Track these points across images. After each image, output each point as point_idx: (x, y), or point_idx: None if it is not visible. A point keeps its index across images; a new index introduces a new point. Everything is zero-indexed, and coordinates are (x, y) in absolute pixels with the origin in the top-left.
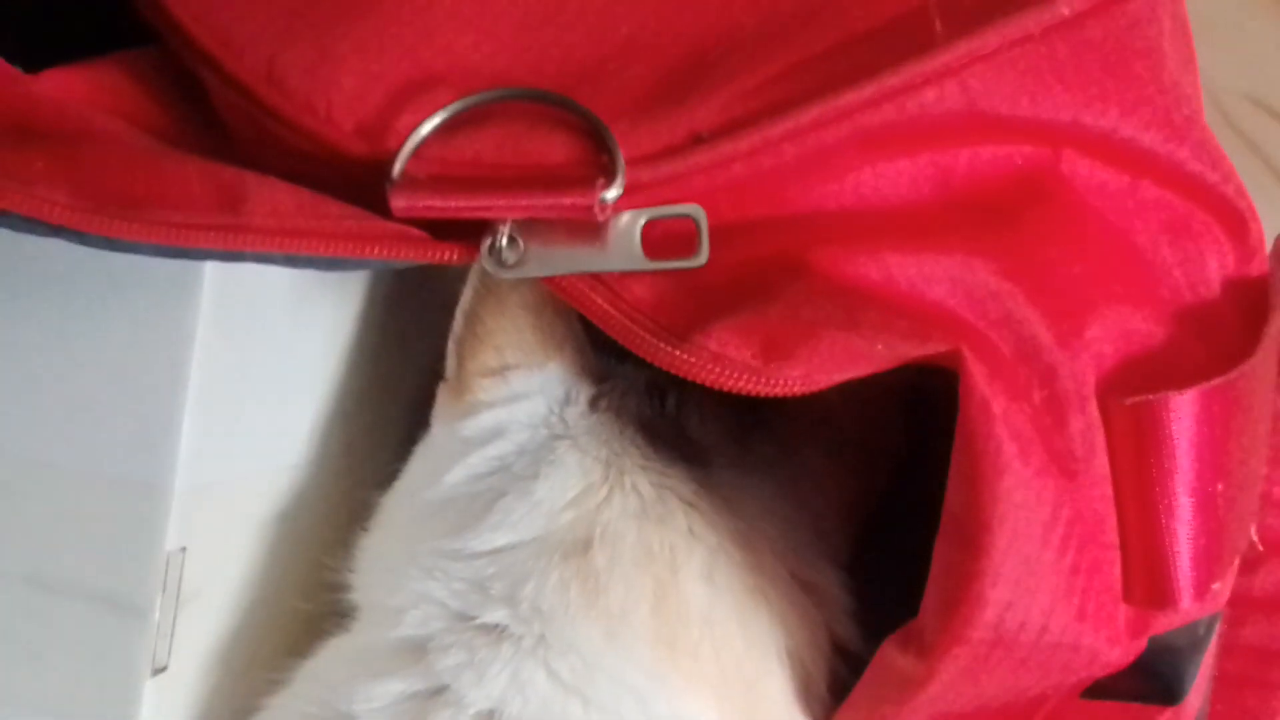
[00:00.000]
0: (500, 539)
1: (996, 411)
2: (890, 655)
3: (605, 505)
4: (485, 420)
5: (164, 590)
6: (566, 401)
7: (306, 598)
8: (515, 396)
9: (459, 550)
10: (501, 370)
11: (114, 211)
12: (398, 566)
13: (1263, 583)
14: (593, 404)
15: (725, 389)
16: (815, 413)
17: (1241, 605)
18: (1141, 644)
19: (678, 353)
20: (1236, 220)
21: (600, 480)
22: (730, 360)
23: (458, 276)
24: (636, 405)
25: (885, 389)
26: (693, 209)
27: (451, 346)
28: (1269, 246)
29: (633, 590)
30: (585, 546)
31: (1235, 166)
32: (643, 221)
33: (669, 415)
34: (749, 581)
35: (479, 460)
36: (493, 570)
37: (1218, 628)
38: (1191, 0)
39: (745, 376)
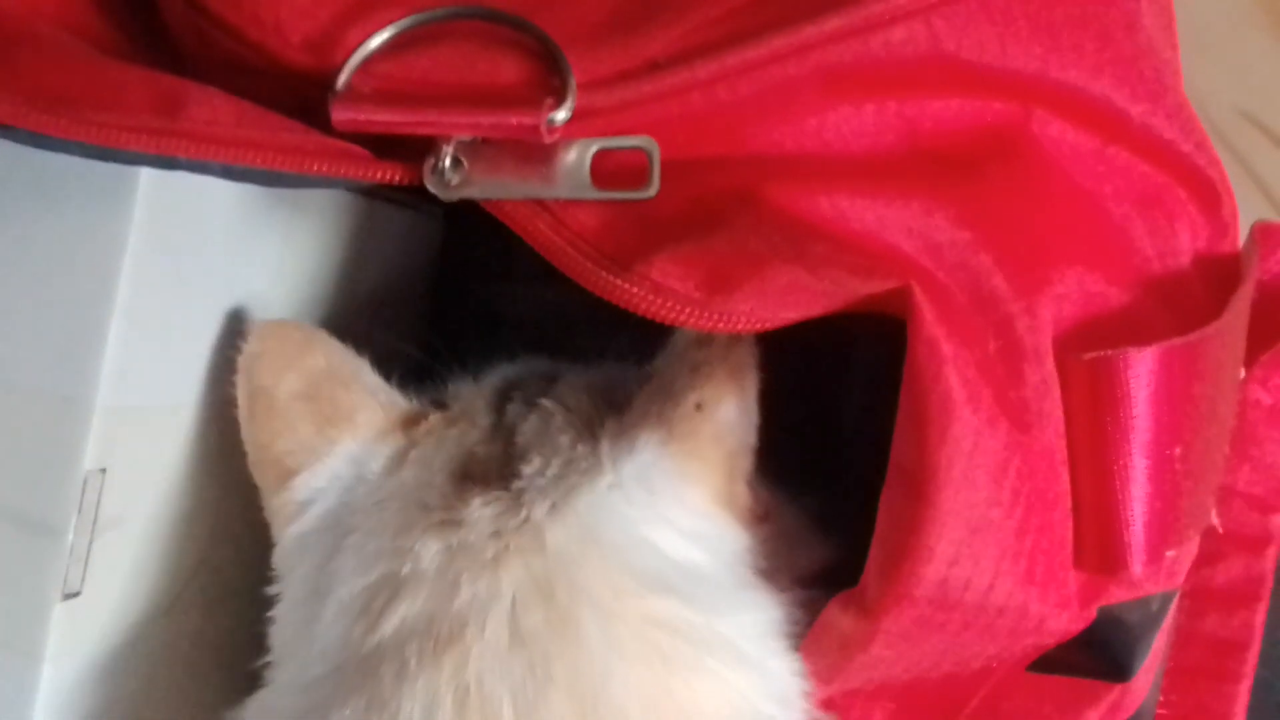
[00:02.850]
0: (305, 675)
1: (946, 354)
2: (833, 615)
3: (391, 603)
4: (287, 543)
5: (80, 511)
6: (357, 480)
7: (235, 555)
8: (304, 505)
9: (282, 688)
10: (289, 479)
11: (43, 107)
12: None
13: (1223, 574)
14: (397, 460)
15: (669, 323)
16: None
17: (1201, 597)
18: (1091, 613)
19: (619, 282)
20: (1209, 193)
21: (385, 572)
22: (672, 291)
23: (410, 222)
24: (464, 430)
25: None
26: (645, 141)
27: (251, 470)
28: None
29: (431, 702)
30: (375, 662)
31: None
32: (593, 151)
33: (507, 425)
34: (573, 625)
35: (293, 589)
36: (302, 705)
37: (1173, 612)
38: (1183, 13)
39: (687, 310)
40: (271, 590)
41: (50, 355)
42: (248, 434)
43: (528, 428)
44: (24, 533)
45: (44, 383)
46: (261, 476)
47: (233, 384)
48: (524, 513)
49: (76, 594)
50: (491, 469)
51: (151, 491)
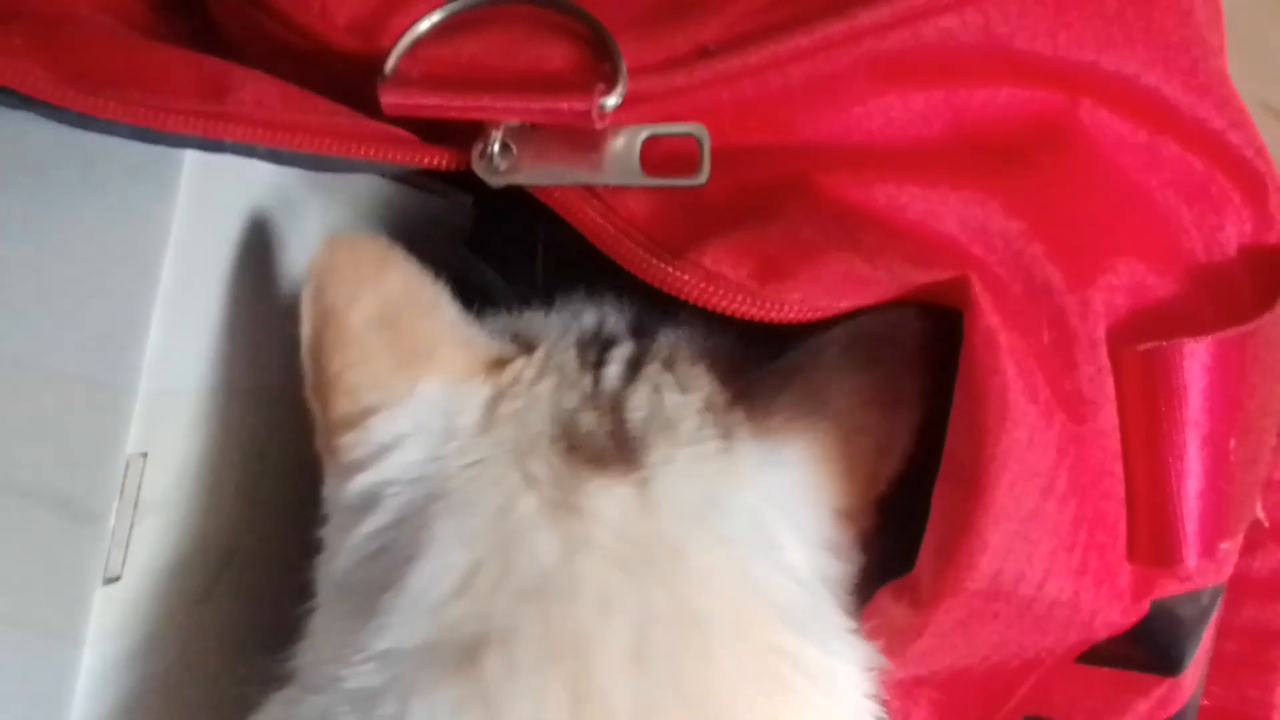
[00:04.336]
0: (383, 642)
1: (1003, 345)
2: (885, 604)
3: (498, 587)
4: (356, 487)
5: (121, 495)
6: (446, 434)
7: (273, 541)
8: (382, 450)
9: (350, 651)
10: (362, 419)
11: (90, 88)
12: (315, 656)
13: (1262, 564)
14: (488, 414)
15: (720, 310)
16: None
17: (1240, 586)
18: (1144, 607)
19: (671, 269)
20: (1257, 185)
21: (489, 550)
22: (725, 279)
23: (439, 208)
24: (558, 386)
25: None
26: (695, 128)
27: (308, 394)
28: None
29: (541, 704)
30: (475, 651)
31: None
32: (642, 137)
33: (609, 392)
34: (705, 648)
35: (360, 541)
36: (380, 681)
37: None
38: None
39: (740, 297)
40: (324, 531)
41: (93, 340)
42: (313, 358)
43: (639, 402)
44: (66, 517)
45: (87, 367)
46: (324, 406)
47: (275, 369)
48: (657, 520)
49: (117, 578)
50: (604, 446)
51: (192, 476)
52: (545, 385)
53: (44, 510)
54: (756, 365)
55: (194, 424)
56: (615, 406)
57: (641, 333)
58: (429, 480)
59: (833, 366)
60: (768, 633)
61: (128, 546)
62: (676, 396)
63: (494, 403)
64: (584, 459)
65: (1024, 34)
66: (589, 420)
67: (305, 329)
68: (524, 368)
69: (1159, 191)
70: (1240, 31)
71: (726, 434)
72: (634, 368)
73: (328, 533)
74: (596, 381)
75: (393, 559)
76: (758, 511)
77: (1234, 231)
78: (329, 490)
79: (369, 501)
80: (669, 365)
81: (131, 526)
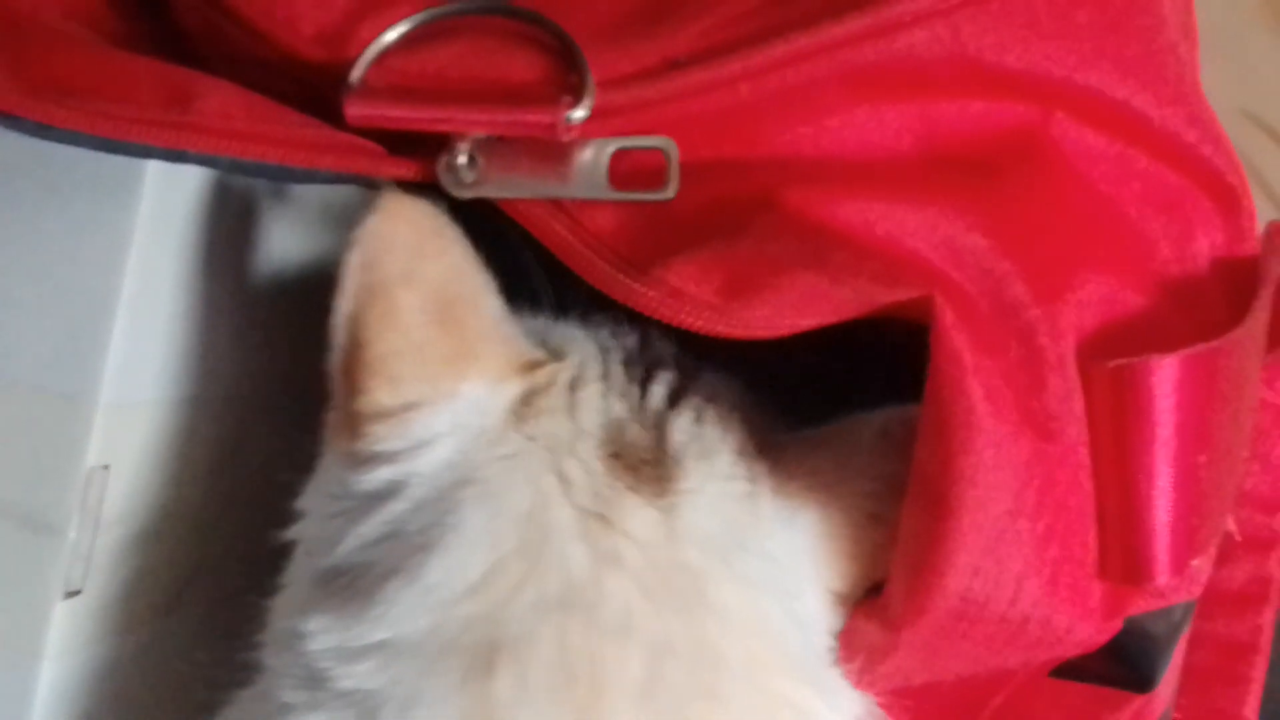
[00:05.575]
0: (382, 632)
1: (968, 363)
2: (858, 623)
3: (518, 591)
4: (382, 476)
5: (83, 508)
6: (480, 431)
7: (238, 555)
8: (417, 445)
9: (344, 644)
10: (401, 412)
11: (50, 97)
12: (292, 644)
13: (1232, 576)
14: (521, 407)
15: (684, 327)
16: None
17: (1211, 599)
18: (1116, 624)
19: (635, 285)
20: (1229, 198)
21: (515, 550)
22: (689, 296)
23: None
24: (605, 393)
25: None
26: (663, 141)
27: (335, 367)
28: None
29: None
30: (488, 663)
31: None
32: (610, 151)
33: (653, 412)
34: (715, 689)
35: (371, 526)
36: (381, 681)
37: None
38: None
39: (705, 315)
40: (314, 520)
41: (54, 351)
42: (351, 332)
43: (683, 426)
44: (26, 530)
45: (47, 378)
46: (356, 388)
47: (238, 379)
48: (680, 548)
49: (77, 592)
50: (643, 460)
51: (154, 489)
52: (588, 392)
53: (3, 523)
54: (785, 430)
55: (156, 436)
56: (659, 424)
57: (682, 365)
58: (457, 468)
59: (865, 448)
60: (779, 680)
61: (89, 560)
62: (717, 431)
63: (527, 398)
64: (624, 467)
65: (994, 47)
66: (635, 432)
67: (346, 300)
68: (559, 371)
69: (1131, 205)
70: (1220, 39)
71: (753, 479)
72: (675, 396)
73: (319, 521)
74: (643, 396)
75: (405, 545)
76: (777, 560)
77: (1206, 244)
78: (332, 473)
79: (390, 491)
80: (709, 402)
81: (93, 540)
